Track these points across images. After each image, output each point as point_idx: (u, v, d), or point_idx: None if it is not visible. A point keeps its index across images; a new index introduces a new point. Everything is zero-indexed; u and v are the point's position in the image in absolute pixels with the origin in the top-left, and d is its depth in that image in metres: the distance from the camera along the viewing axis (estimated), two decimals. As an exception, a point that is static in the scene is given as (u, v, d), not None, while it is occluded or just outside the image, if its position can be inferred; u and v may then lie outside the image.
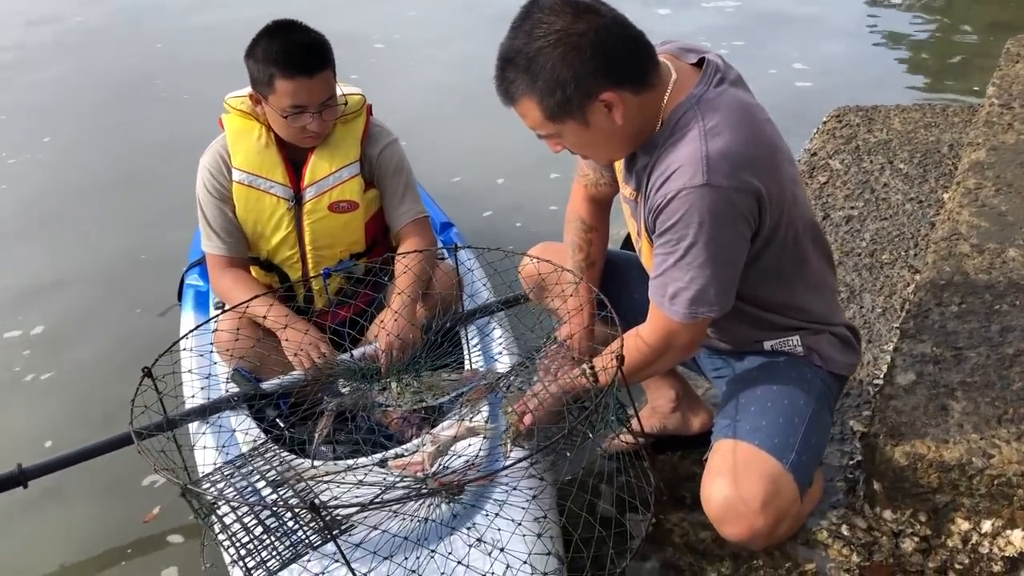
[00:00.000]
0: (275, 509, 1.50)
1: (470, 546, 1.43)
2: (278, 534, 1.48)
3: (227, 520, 1.49)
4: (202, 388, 1.91)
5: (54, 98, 5.14)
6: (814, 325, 1.63)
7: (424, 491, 1.49)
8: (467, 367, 1.97)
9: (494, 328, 2.10)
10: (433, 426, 1.76)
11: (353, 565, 1.34)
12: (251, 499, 1.57)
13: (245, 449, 1.74)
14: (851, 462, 1.87)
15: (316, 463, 1.65)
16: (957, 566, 1.60)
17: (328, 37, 1.98)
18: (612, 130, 1.42)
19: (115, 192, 3.92)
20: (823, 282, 1.65)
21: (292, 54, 1.90)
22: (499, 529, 1.45)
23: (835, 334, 1.65)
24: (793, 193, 1.50)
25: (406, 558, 1.41)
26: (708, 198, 1.36)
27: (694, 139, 1.38)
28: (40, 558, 2.07)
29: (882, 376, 1.99)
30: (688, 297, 1.44)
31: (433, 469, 1.58)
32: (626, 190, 1.58)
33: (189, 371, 1.90)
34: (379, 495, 1.49)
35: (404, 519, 1.48)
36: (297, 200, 2.05)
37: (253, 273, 2.14)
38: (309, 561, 1.44)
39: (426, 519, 1.49)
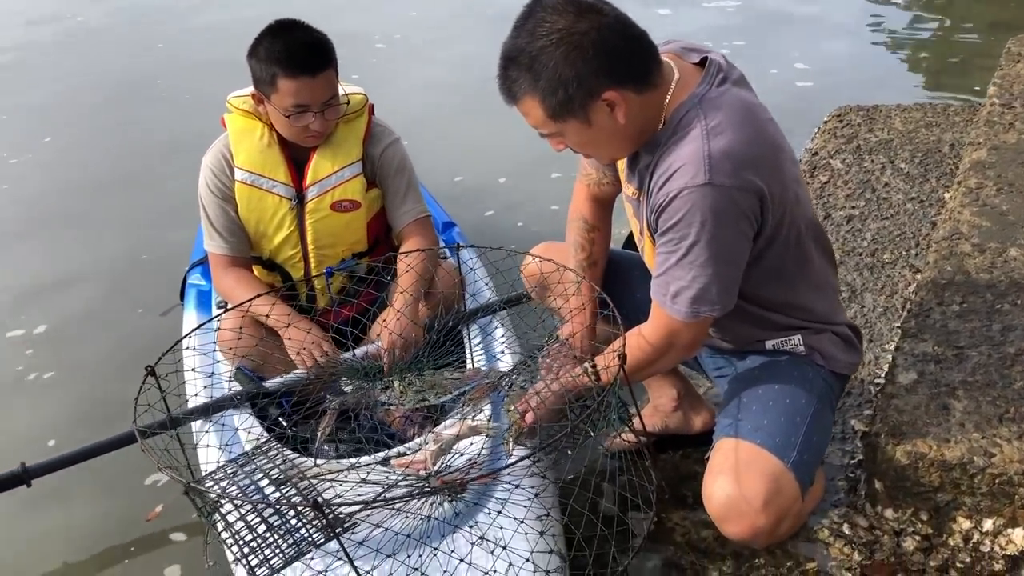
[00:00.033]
0: (278, 507, 1.51)
1: (472, 544, 1.43)
2: (281, 532, 1.48)
3: (230, 518, 1.49)
4: (205, 387, 1.92)
5: (55, 98, 5.14)
6: (816, 324, 1.63)
7: (427, 489, 1.50)
8: (469, 366, 1.98)
9: (496, 327, 2.10)
10: (435, 425, 1.76)
11: (356, 563, 1.34)
12: (254, 497, 1.57)
13: (248, 447, 1.75)
14: (852, 461, 1.87)
15: (319, 461, 1.66)
16: (958, 565, 1.60)
17: (329, 37, 1.99)
18: (614, 129, 1.43)
19: (117, 192, 3.92)
20: (825, 281, 1.65)
21: (295, 53, 1.90)
22: (501, 527, 1.46)
23: (837, 333, 1.65)
24: (796, 193, 1.50)
25: (409, 556, 1.41)
26: (710, 197, 1.36)
27: (696, 138, 1.39)
28: (43, 556, 2.08)
29: (883, 375, 1.99)
30: (690, 296, 1.44)
31: (436, 468, 1.59)
32: (629, 189, 1.58)
33: (192, 370, 1.90)
34: (382, 493, 1.50)
35: (407, 517, 1.49)
36: (299, 199, 2.06)
37: (255, 272, 2.15)
38: (312, 559, 1.45)
39: (429, 517, 1.49)
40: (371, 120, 2.12)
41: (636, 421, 1.65)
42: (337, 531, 1.36)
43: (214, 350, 1.99)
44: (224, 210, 2.06)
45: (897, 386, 1.77)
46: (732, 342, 1.69)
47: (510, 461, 1.53)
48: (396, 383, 1.88)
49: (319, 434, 1.81)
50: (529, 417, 1.57)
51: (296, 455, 1.70)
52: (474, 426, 1.69)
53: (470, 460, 1.62)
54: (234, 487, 1.61)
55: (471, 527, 1.48)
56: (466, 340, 2.05)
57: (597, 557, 1.44)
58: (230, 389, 1.91)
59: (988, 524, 1.63)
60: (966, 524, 1.64)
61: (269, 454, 1.70)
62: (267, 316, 1.96)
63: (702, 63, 1.48)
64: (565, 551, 1.52)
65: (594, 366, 1.54)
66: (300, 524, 1.49)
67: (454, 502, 1.53)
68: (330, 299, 2.16)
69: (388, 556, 1.40)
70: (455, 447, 1.65)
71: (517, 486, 1.54)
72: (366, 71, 4.78)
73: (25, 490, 1.89)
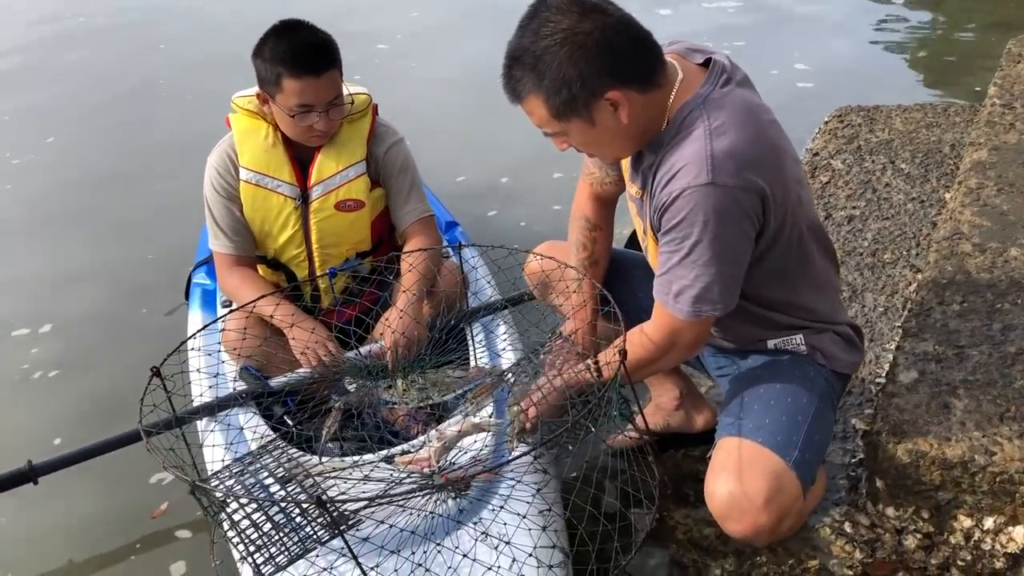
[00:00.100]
0: (283, 505, 1.51)
1: (476, 540, 1.44)
2: (286, 530, 1.49)
3: (236, 516, 1.50)
4: (210, 387, 1.93)
5: (57, 99, 5.15)
6: (817, 324, 1.64)
7: (431, 486, 1.51)
8: (472, 364, 1.99)
9: (499, 325, 2.11)
10: (439, 422, 1.77)
11: (360, 559, 1.35)
12: (259, 496, 1.58)
13: (253, 446, 1.76)
14: (854, 460, 1.88)
15: (323, 460, 1.67)
16: (959, 563, 1.61)
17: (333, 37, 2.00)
18: (618, 129, 1.44)
19: (120, 191, 3.93)
20: (827, 281, 1.66)
21: (299, 53, 1.91)
22: (505, 523, 1.46)
23: (838, 333, 1.66)
24: (798, 194, 1.50)
25: (413, 552, 1.42)
26: (713, 197, 1.37)
27: (699, 138, 1.39)
28: (49, 553, 2.09)
29: (884, 374, 2.00)
30: (692, 295, 1.45)
31: (439, 465, 1.60)
32: (632, 188, 1.59)
33: (197, 370, 1.91)
34: (386, 490, 1.51)
35: (411, 514, 1.50)
36: (304, 199, 2.07)
37: (260, 272, 2.16)
38: (317, 556, 1.46)
39: (432, 514, 1.50)
40: (375, 120, 2.13)
41: (639, 419, 1.66)
42: (342, 528, 1.36)
43: (219, 350, 2.00)
44: (229, 209, 2.07)
45: (898, 385, 1.77)
46: (734, 341, 1.69)
47: (511, 457, 1.55)
48: (399, 382, 1.89)
49: (324, 433, 1.82)
50: (531, 412, 1.58)
51: (301, 453, 1.71)
52: (477, 423, 1.70)
53: (473, 457, 1.63)
54: (239, 486, 1.62)
55: (475, 523, 1.49)
56: (469, 339, 2.06)
57: (600, 552, 1.45)
58: (235, 388, 1.92)
59: (989, 522, 1.64)
60: (967, 522, 1.65)
61: (274, 453, 1.71)
62: (271, 316, 1.97)
63: (706, 64, 1.49)
64: (568, 547, 1.53)
65: (596, 362, 1.54)
66: (305, 522, 1.50)
67: (458, 499, 1.54)
68: (334, 299, 2.17)
69: (392, 553, 1.41)
70: (458, 444, 1.66)
71: (519, 481, 1.55)
72: (368, 71, 4.78)
73: (32, 487, 1.90)
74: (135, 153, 4.32)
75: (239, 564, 1.54)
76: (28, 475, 1.88)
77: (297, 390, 1.92)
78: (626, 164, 1.60)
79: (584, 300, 1.73)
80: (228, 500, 1.50)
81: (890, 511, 1.71)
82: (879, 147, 3.35)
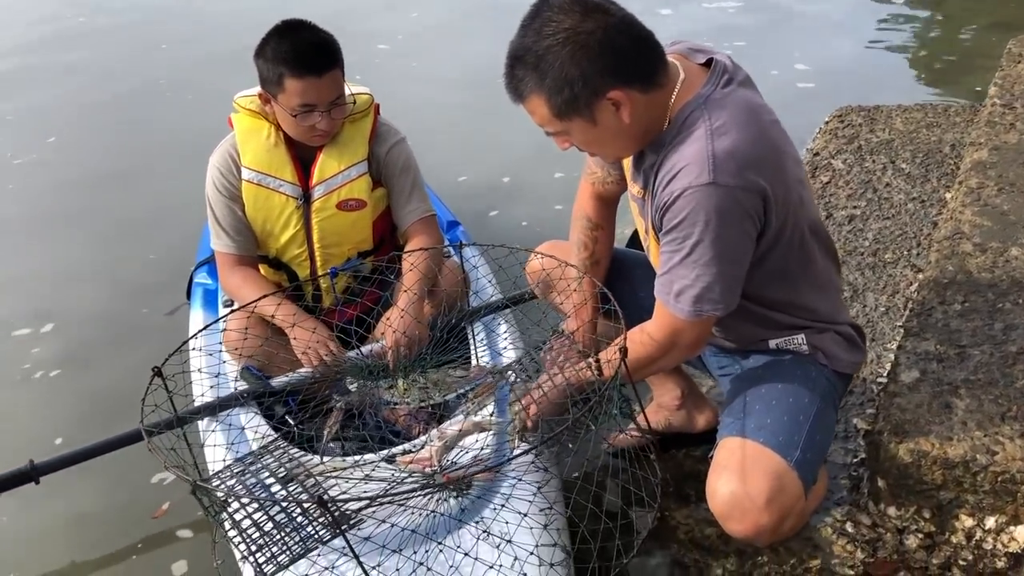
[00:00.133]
0: (285, 505, 1.52)
1: (478, 538, 1.44)
2: (288, 529, 1.49)
3: (237, 516, 1.50)
4: (211, 387, 1.93)
5: (58, 99, 5.15)
6: (819, 324, 1.64)
7: (432, 485, 1.51)
8: (473, 363, 1.99)
9: (500, 325, 2.11)
10: (440, 422, 1.77)
11: (362, 558, 1.35)
12: (261, 495, 1.58)
13: (254, 446, 1.76)
14: (855, 459, 1.88)
15: (325, 459, 1.67)
16: (961, 562, 1.61)
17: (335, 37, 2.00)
18: (619, 128, 1.44)
19: (122, 191, 3.93)
20: (828, 281, 1.66)
21: (302, 53, 1.91)
22: (506, 522, 1.47)
23: (840, 333, 1.66)
24: (800, 195, 1.50)
25: (415, 551, 1.42)
26: (714, 196, 1.37)
27: (700, 138, 1.40)
28: (51, 553, 2.09)
29: (886, 374, 2.00)
30: (693, 295, 1.45)
31: (440, 464, 1.60)
32: (634, 188, 1.59)
33: (199, 370, 1.91)
34: (388, 490, 1.51)
35: (412, 513, 1.50)
36: (306, 198, 2.07)
37: (262, 271, 2.16)
38: (319, 555, 1.46)
39: (434, 513, 1.50)
40: (377, 120, 2.13)
41: (640, 418, 1.66)
42: (343, 528, 1.37)
43: (220, 350, 2.00)
44: (231, 209, 2.07)
45: (899, 385, 1.78)
46: (736, 341, 1.69)
47: (512, 455, 1.55)
48: (401, 381, 1.89)
49: (325, 432, 1.82)
50: (532, 410, 1.58)
51: (302, 453, 1.71)
52: (478, 422, 1.70)
53: (475, 456, 1.63)
54: (241, 485, 1.62)
55: (476, 522, 1.50)
56: (470, 338, 2.06)
57: (601, 551, 1.45)
58: (236, 388, 1.92)
59: (990, 522, 1.64)
60: (969, 522, 1.65)
61: (275, 452, 1.71)
62: (273, 316, 1.97)
63: (708, 64, 1.49)
64: (569, 545, 1.53)
65: (597, 360, 1.55)
66: (307, 521, 1.50)
67: (459, 498, 1.55)
68: (335, 298, 2.17)
69: (394, 552, 1.41)
70: (459, 443, 1.66)
71: (521, 480, 1.55)
72: (369, 71, 4.78)
73: (33, 487, 1.90)
74: (136, 153, 4.32)
75: (240, 564, 1.54)
76: (30, 475, 1.88)
77: (298, 390, 1.93)
78: (628, 164, 1.61)
79: (585, 299, 1.73)
80: (229, 500, 1.50)
81: (892, 511, 1.71)
82: (880, 147, 3.35)
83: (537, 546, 1.44)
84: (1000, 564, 1.59)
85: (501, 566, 1.42)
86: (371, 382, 1.92)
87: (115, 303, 3.07)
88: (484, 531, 1.46)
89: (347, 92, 2.04)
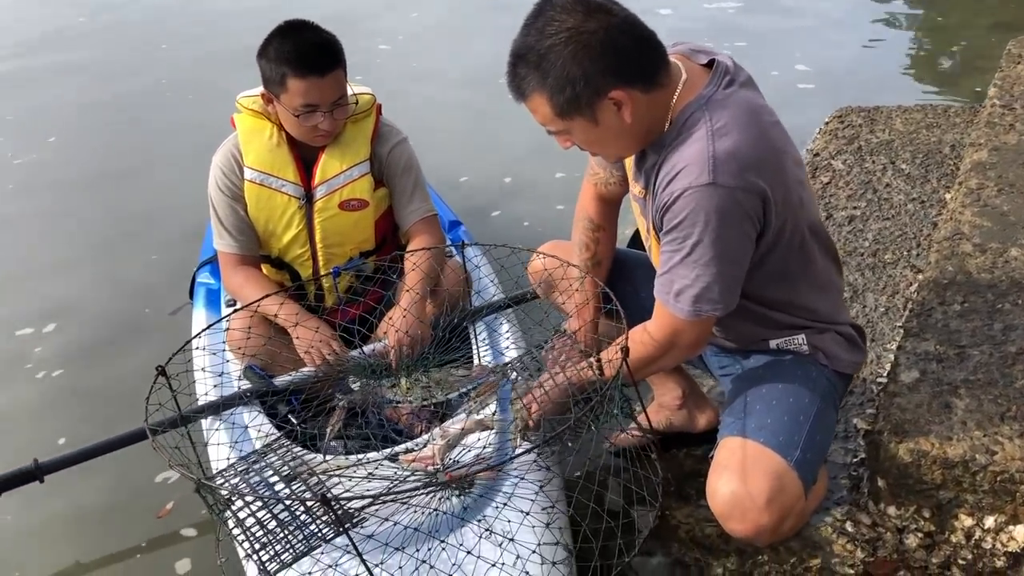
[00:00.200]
0: (288, 503, 1.52)
1: (480, 537, 1.45)
2: (291, 528, 1.50)
3: (241, 514, 1.51)
4: (215, 386, 1.93)
5: (58, 98, 5.16)
6: (819, 324, 1.64)
7: (434, 484, 1.52)
8: (475, 363, 2.00)
9: (502, 324, 2.12)
10: (442, 421, 1.78)
11: (365, 556, 1.36)
12: (264, 494, 1.59)
13: (258, 445, 1.77)
14: (855, 459, 1.88)
15: (328, 458, 1.68)
16: (960, 562, 1.62)
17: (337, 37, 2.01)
18: (621, 128, 1.44)
19: (123, 191, 3.94)
20: (828, 282, 1.66)
21: (304, 54, 1.92)
22: (509, 520, 1.48)
23: (840, 333, 1.66)
24: (800, 195, 1.51)
25: (417, 549, 1.43)
26: (714, 197, 1.38)
27: (701, 138, 1.40)
28: (55, 552, 2.10)
29: (886, 374, 2.00)
30: (693, 295, 1.45)
31: (443, 463, 1.61)
32: (635, 188, 1.60)
33: (202, 369, 1.92)
34: (390, 488, 1.52)
35: (415, 511, 1.51)
36: (308, 198, 2.07)
37: (264, 271, 2.16)
38: (322, 553, 1.47)
39: (436, 511, 1.51)
40: (379, 120, 2.14)
41: (642, 418, 1.67)
42: (346, 526, 1.37)
43: (223, 349, 2.01)
44: (233, 209, 2.08)
45: (899, 385, 1.78)
46: (736, 341, 1.70)
47: (514, 454, 1.55)
48: (403, 380, 1.90)
49: (328, 431, 1.83)
50: (534, 409, 1.59)
51: (305, 452, 1.72)
52: (480, 421, 1.71)
53: (477, 455, 1.64)
54: (244, 484, 1.62)
55: (479, 520, 1.50)
56: (472, 337, 2.07)
57: (603, 550, 1.45)
58: (239, 387, 1.93)
59: (990, 521, 1.64)
60: (968, 521, 1.66)
61: (278, 451, 1.72)
62: (275, 315, 1.98)
63: (710, 65, 1.50)
64: (571, 544, 1.54)
65: (599, 359, 1.55)
66: (310, 519, 1.50)
67: (461, 496, 1.55)
68: (337, 298, 2.17)
69: (397, 550, 1.42)
70: (462, 442, 1.67)
71: (522, 478, 1.56)
72: (370, 71, 4.80)
73: (37, 486, 1.91)
74: (137, 152, 4.33)
75: (244, 562, 1.55)
76: (34, 473, 1.88)
77: (301, 389, 1.93)
78: (630, 164, 1.61)
79: (587, 298, 1.74)
80: (233, 498, 1.51)
81: (891, 510, 1.71)
82: (879, 148, 3.36)
83: (539, 544, 1.45)
84: (999, 563, 1.60)
85: (503, 564, 1.42)
86: (374, 381, 1.92)
87: (118, 303, 3.08)
88: (486, 529, 1.47)
89: (349, 92, 2.05)
